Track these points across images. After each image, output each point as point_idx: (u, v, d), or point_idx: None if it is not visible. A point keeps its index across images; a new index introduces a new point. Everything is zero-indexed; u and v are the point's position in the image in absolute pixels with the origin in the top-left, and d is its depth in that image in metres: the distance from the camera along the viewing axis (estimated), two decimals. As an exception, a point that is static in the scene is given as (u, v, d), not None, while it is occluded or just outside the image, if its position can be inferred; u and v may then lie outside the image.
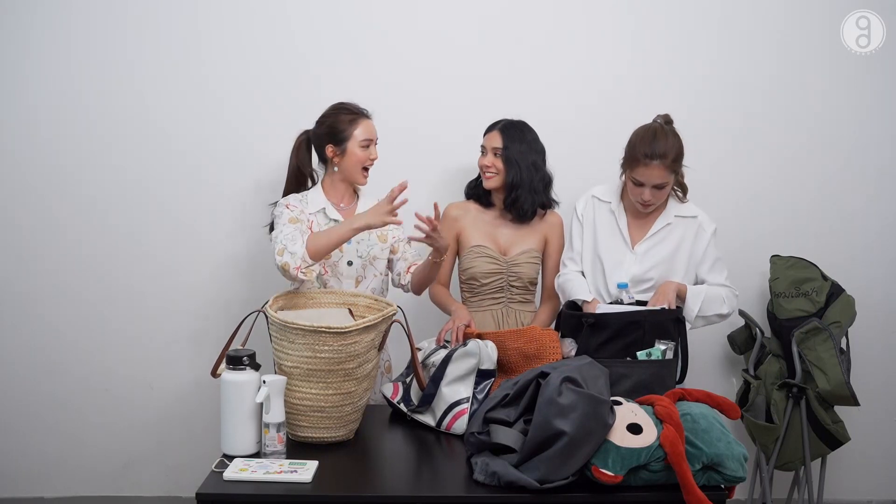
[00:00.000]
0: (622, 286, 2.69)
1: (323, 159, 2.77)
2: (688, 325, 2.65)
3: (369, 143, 2.71)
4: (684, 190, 2.79)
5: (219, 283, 3.25)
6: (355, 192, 2.81)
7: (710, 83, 3.27)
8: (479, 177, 2.97)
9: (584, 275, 2.79)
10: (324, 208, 2.72)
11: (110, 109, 3.23)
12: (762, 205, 3.35)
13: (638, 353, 2.50)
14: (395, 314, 2.36)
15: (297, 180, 2.80)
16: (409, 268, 2.78)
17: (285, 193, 2.79)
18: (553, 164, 2.96)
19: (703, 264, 2.75)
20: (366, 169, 2.73)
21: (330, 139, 2.70)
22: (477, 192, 2.98)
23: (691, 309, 2.66)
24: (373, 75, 3.24)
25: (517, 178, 2.88)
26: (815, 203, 3.36)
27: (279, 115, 3.18)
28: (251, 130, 3.23)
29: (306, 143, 2.79)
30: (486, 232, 2.94)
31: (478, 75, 3.27)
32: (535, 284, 2.98)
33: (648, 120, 2.71)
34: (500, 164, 2.89)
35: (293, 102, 3.18)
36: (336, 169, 2.72)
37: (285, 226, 2.62)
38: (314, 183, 2.81)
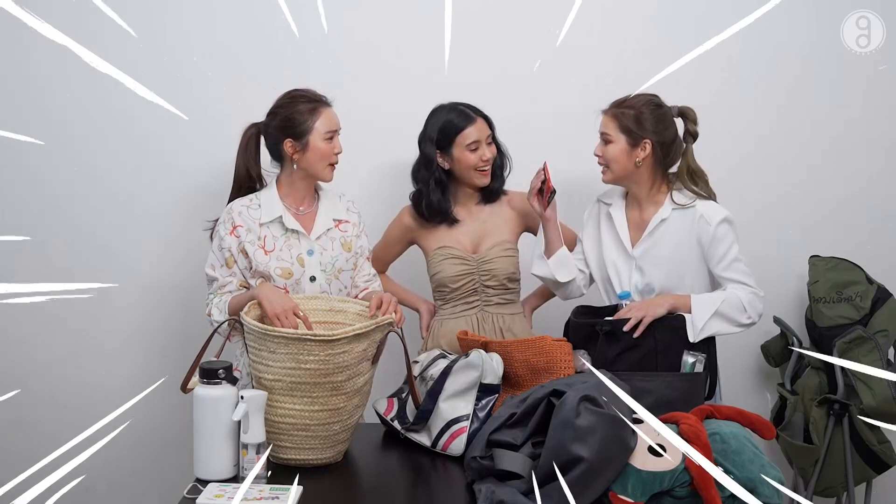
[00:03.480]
0: (623, 296, 2.70)
1: (278, 157, 2.70)
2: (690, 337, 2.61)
3: (333, 134, 2.65)
4: (694, 178, 2.73)
5: (191, 288, 3.20)
6: (316, 192, 2.75)
7: (715, 81, 3.31)
8: (426, 197, 2.89)
9: (592, 278, 2.85)
10: (280, 217, 2.66)
11: (67, 93, 3.23)
12: (799, 201, 3.35)
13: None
14: (391, 322, 2.35)
15: (244, 183, 2.72)
16: (359, 293, 2.76)
17: (231, 199, 2.72)
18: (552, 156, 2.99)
19: (712, 261, 2.70)
20: (332, 164, 2.68)
21: (288, 133, 2.63)
22: (444, 214, 2.91)
23: (695, 323, 2.61)
24: (346, 58, 3.26)
25: (506, 161, 2.95)
26: (858, 198, 3.36)
27: (260, 98, 3.07)
28: (226, 115, 3.15)
29: (255, 138, 2.72)
30: (444, 232, 2.94)
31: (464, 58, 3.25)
32: (517, 281, 2.97)
33: None
34: (493, 151, 2.91)
35: (274, 86, 3.10)
36: (296, 167, 2.66)
37: (222, 268, 2.63)
38: (262, 185, 2.73)
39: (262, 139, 2.73)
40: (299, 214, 2.70)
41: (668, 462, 1.97)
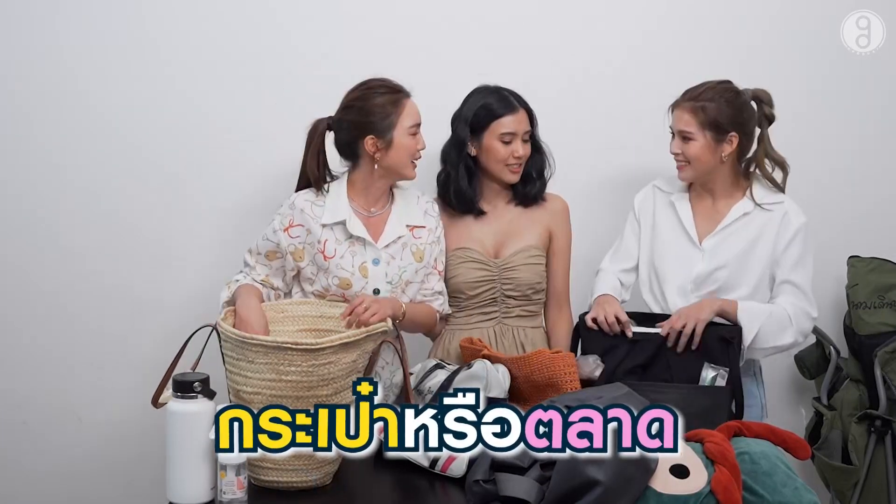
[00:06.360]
0: None
1: (352, 155, 2.67)
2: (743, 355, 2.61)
3: (417, 128, 2.64)
4: (781, 165, 2.75)
5: (161, 291, 3.24)
6: (391, 191, 2.73)
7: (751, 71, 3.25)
8: (455, 183, 2.85)
9: (625, 278, 2.85)
10: (344, 220, 2.63)
11: (54, 103, 3.22)
12: (837, 196, 3.36)
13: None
14: (385, 331, 2.34)
15: (311, 181, 2.70)
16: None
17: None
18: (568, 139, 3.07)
19: (782, 263, 2.70)
20: (414, 161, 2.66)
21: (369, 129, 2.60)
22: (469, 203, 2.87)
23: (745, 335, 2.61)
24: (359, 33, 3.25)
25: (547, 163, 2.89)
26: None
27: (264, 108, 3.20)
28: (215, 125, 3.23)
29: (324, 136, 2.69)
30: (466, 231, 2.89)
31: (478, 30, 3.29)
32: (541, 292, 2.93)
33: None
34: (528, 150, 2.85)
35: (283, 90, 3.18)
36: (377, 167, 2.64)
37: (259, 255, 2.64)
38: (328, 181, 2.70)
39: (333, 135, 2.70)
40: (370, 217, 2.68)
41: (693, 484, 1.97)
